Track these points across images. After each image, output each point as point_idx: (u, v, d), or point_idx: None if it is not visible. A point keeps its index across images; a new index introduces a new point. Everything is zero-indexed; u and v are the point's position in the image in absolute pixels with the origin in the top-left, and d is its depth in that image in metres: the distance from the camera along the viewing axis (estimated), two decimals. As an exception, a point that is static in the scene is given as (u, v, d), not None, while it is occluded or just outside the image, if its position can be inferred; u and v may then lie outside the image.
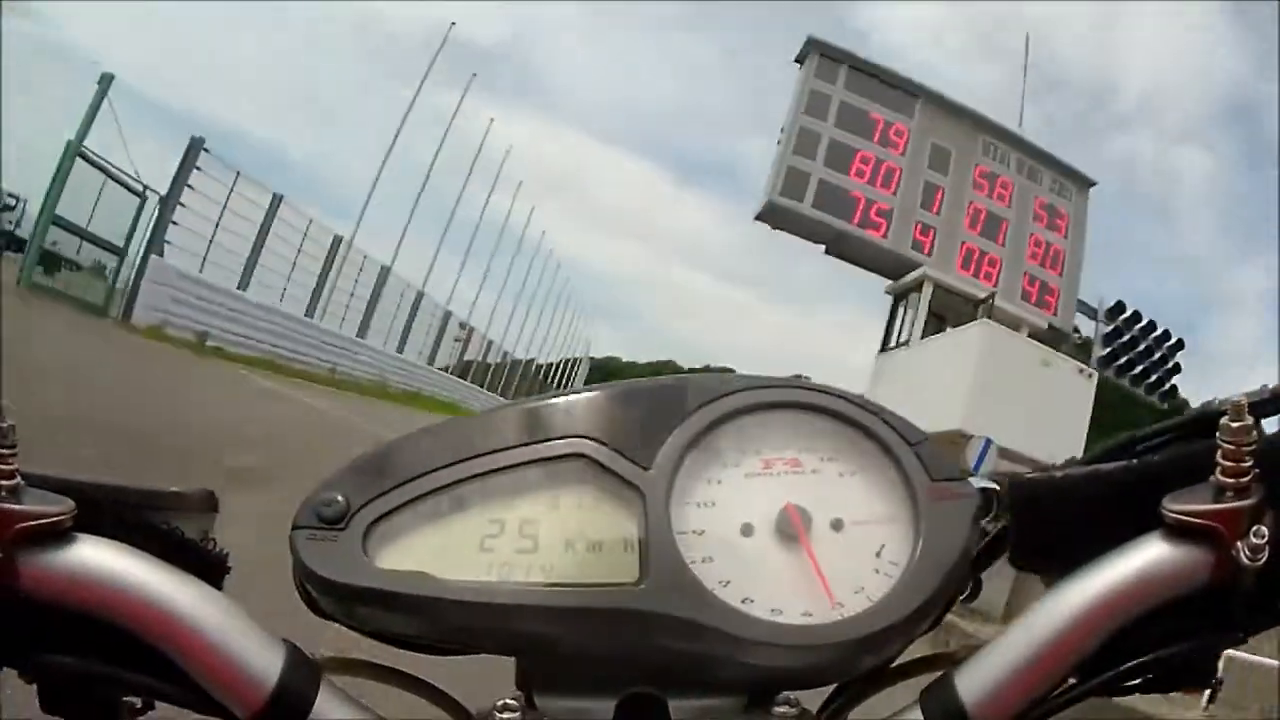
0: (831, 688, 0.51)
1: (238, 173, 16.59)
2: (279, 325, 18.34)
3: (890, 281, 16.53)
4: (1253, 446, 0.42)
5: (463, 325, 29.56)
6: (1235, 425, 0.42)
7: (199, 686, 0.45)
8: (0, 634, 0.45)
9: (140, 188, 14.30)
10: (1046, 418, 12.47)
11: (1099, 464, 0.46)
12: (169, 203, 14.81)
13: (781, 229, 16.44)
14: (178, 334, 14.32)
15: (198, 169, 15.06)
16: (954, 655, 0.47)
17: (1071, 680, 0.45)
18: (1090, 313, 16.82)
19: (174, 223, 14.95)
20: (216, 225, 16.33)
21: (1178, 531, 0.43)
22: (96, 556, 0.45)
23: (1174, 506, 0.43)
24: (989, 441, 10.32)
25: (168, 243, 14.94)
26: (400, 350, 26.03)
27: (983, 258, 16.43)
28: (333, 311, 21.69)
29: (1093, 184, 17.66)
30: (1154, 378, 16.47)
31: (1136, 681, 0.45)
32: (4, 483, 0.43)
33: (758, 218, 16.54)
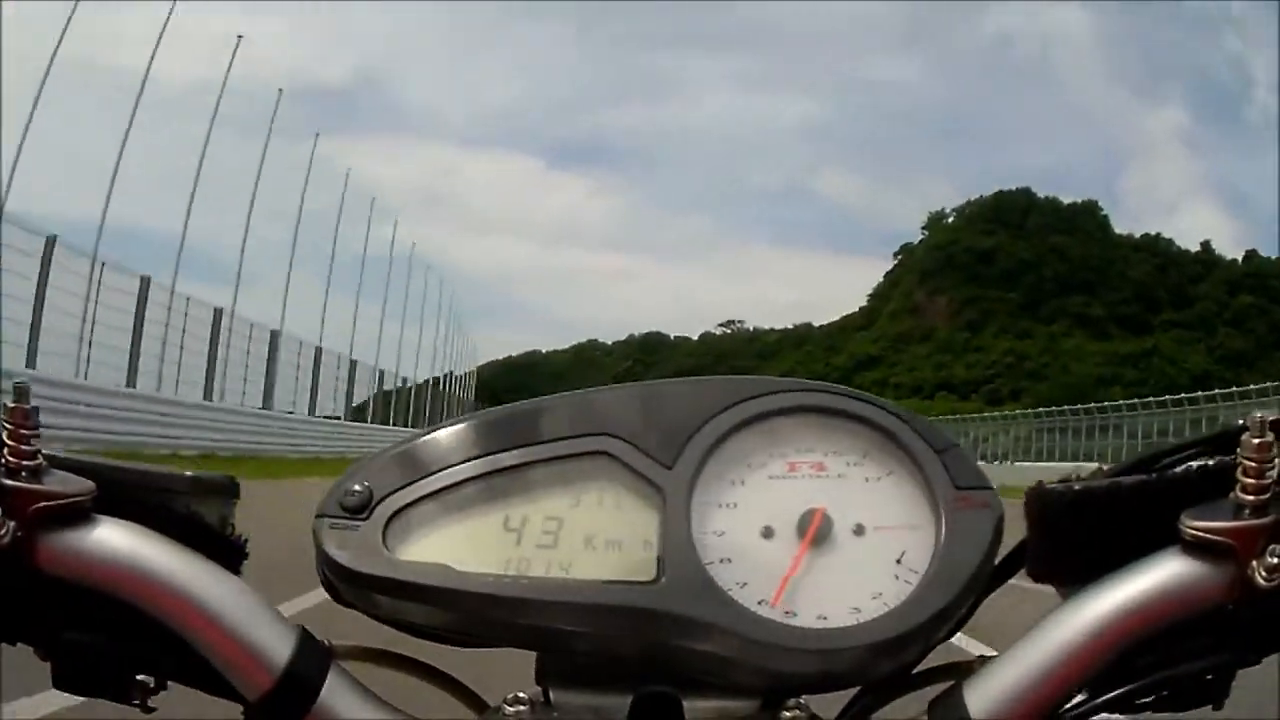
0: (848, 693, 0.50)
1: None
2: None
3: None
4: (1273, 464, 0.42)
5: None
6: (1256, 442, 0.42)
7: (210, 667, 0.45)
8: (19, 611, 0.45)
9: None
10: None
11: (1120, 477, 0.46)
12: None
13: None
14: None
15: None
16: (968, 665, 0.47)
17: (1082, 696, 0.44)
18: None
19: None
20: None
21: (1194, 548, 0.43)
22: (115, 538, 0.45)
23: (1191, 523, 0.43)
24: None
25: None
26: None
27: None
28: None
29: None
30: None
31: (1148, 700, 0.45)
32: (26, 463, 0.44)
33: None
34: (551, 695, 0.49)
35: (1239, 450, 0.42)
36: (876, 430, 0.50)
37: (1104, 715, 0.45)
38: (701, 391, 0.51)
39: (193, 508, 0.49)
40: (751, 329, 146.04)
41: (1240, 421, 0.43)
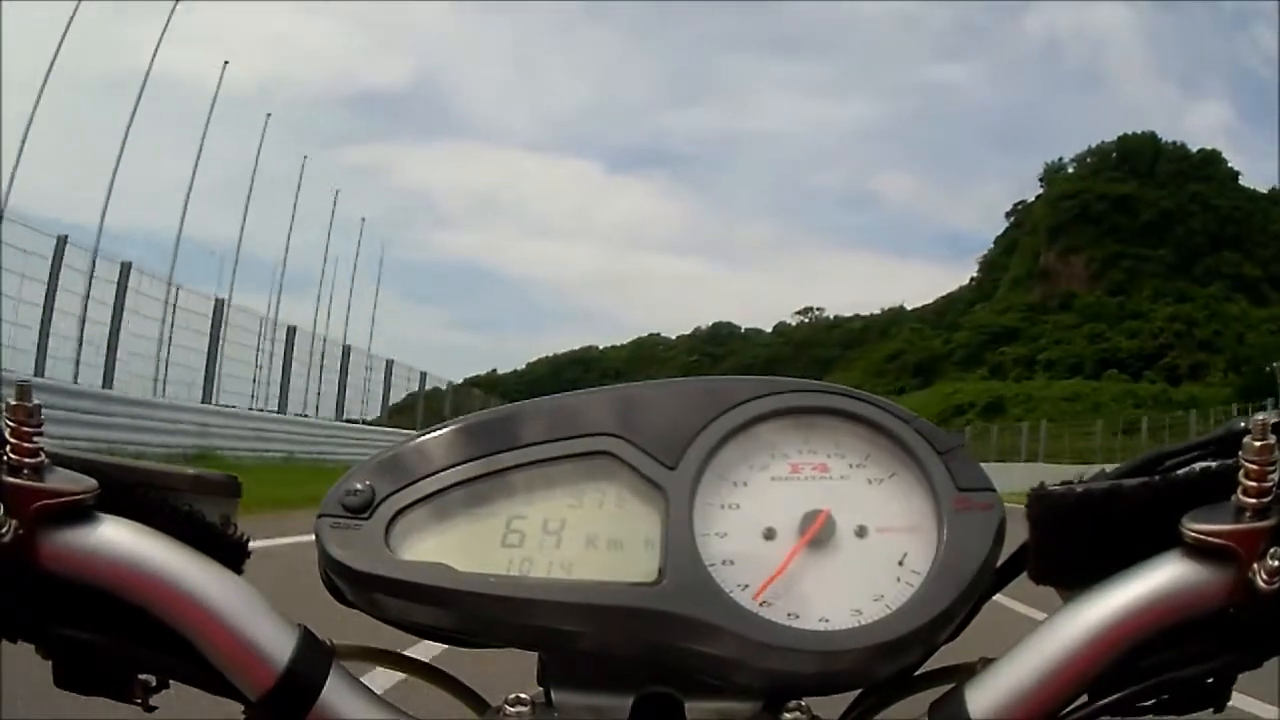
0: (850, 695, 0.50)
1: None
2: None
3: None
4: (1275, 467, 0.42)
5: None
6: (1258, 444, 0.42)
7: (212, 666, 0.45)
8: (21, 609, 0.45)
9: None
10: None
11: (1121, 480, 0.46)
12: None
13: None
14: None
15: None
16: (969, 667, 0.47)
17: (1084, 698, 0.44)
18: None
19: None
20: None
21: (1196, 551, 0.43)
22: (116, 536, 0.45)
23: (1193, 525, 0.43)
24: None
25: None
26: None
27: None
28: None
29: None
30: None
31: (1149, 702, 0.45)
32: (28, 461, 0.44)
33: None
34: (553, 696, 0.49)
35: (1241, 453, 0.42)
36: (879, 431, 0.50)
37: (1105, 718, 0.45)
38: (704, 392, 0.51)
39: (195, 506, 0.49)
40: (832, 316, 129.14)
41: (1242, 424, 0.44)
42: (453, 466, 0.50)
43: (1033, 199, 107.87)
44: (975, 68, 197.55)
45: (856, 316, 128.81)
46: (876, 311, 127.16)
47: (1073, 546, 0.45)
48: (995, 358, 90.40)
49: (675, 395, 0.51)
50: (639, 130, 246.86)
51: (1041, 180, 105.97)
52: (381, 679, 0.48)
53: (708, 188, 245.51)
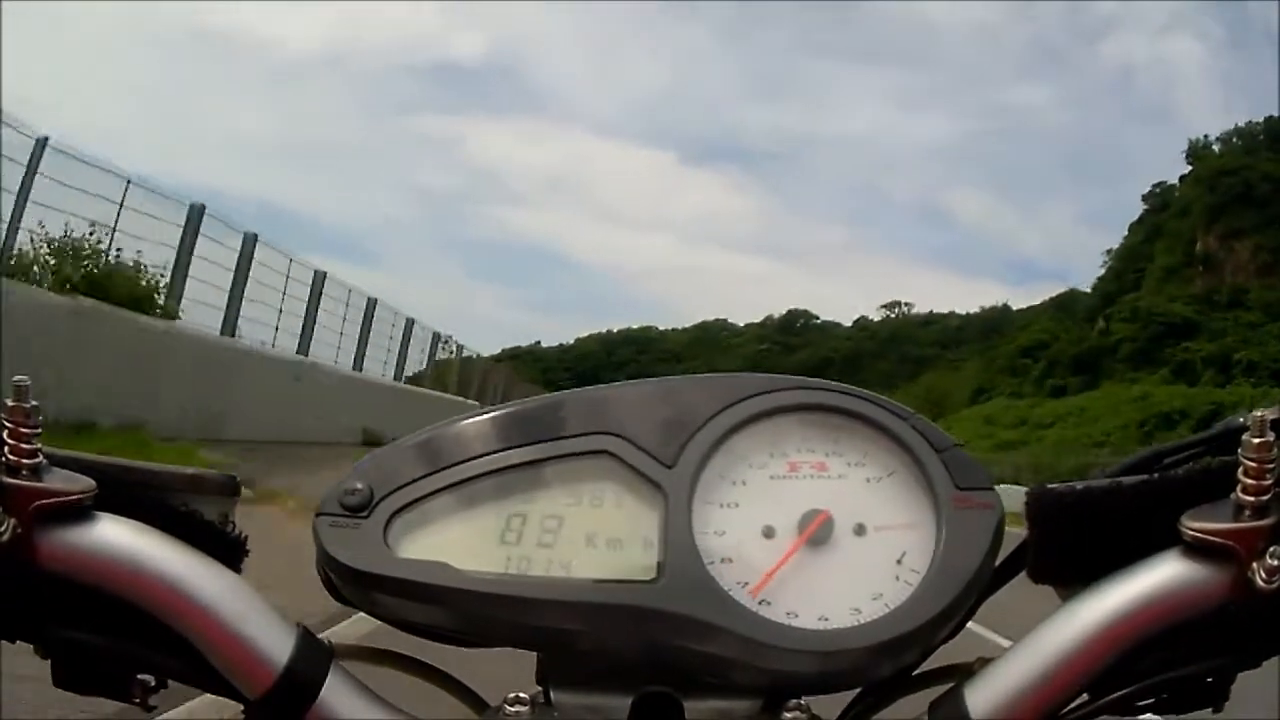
0: (849, 694, 0.50)
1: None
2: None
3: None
4: (1274, 464, 0.42)
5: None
6: (1257, 441, 0.41)
7: (210, 666, 0.45)
8: (18, 609, 0.45)
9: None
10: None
11: (1120, 478, 0.46)
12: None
13: None
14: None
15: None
16: (968, 667, 0.47)
17: (1083, 698, 0.44)
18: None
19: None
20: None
21: (1195, 549, 0.43)
22: (115, 535, 0.45)
23: (1191, 524, 0.43)
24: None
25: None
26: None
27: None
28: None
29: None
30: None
31: (1148, 701, 0.45)
32: (26, 461, 0.44)
33: None
34: (552, 695, 0.49)
35: (1240, 450, 0.42)
36: (878, 429, 0.50)
37: (1104, 717, 0.45)
38: (703, 389, 0.51)
39: (193, 505, 0.49)
40: (928, 311, 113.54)
41: (1241, 420, 0.43)
42: (452, 465, 0.50)
43: (1175, 180, 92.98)
44: (1056, 92, 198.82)
45: (953, 314, 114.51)
46: (978, 309, 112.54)
47: (1072, 545, 0.45)
48: (1179, 355, 74.36)
49: (673, 393, 0.51)
50: (716, 124, 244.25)
51: (1188, 157, 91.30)
52: (381, 679, 0.49)
53: (781, 187, 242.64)
